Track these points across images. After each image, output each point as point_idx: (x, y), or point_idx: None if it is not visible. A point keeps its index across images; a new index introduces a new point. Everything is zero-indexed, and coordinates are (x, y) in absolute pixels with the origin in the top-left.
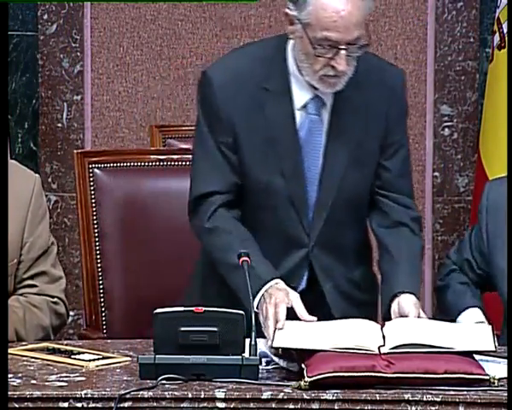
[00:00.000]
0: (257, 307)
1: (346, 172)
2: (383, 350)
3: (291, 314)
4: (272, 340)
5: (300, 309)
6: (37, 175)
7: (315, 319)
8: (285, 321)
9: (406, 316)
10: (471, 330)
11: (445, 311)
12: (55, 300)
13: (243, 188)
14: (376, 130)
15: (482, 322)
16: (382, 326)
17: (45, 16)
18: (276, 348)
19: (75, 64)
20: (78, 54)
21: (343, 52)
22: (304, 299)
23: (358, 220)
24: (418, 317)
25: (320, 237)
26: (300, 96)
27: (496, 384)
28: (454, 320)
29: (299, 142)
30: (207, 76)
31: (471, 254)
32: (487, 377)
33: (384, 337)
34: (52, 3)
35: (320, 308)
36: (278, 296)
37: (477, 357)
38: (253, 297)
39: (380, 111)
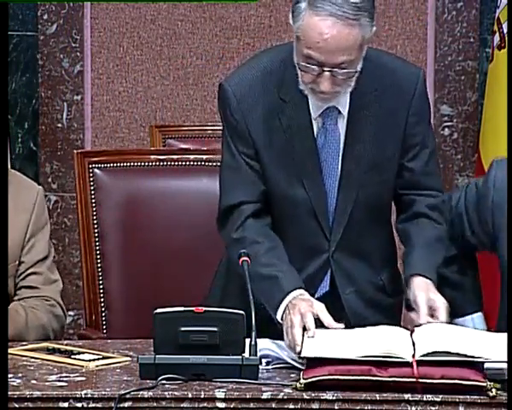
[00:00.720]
0: (281, 319)
1: (364, 178)
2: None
3: (316, 324)
4: (301, 349)
5: (327, 318)
6: (40, 187)
7: (342, 326)
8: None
9: (416, 299)
10: (500, 339)
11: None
12: (52, 302)
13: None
14: (395, 134)
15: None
16: (412, 333)
17: (45, 16)
18: (305, 358)
19: (75, 64)
20: (78, 54)
21: (327, 74)
22: (324, 304)
23: (381, 224)
24: (429, 300)
25: (341, 243)
26: (316, 106)
27: (493, 394)
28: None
29: (317, 151)
30: (224, 89)
31: (465, 210)
32: (484, 384)
33: (414, 344)
34: (52, 3)
35: (338, 314)
36: (302, 306)
37: None
38: (276, 308)
39: (397, 116)
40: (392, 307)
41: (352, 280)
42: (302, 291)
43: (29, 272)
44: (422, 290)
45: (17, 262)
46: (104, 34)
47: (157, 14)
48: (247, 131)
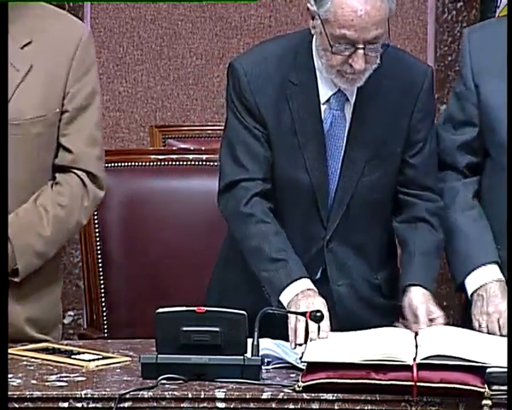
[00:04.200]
0: (287, 305)
1: (365, 168)
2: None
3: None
4: (303, 353)
5: (325, 327)
6: (86, 26)
7: (326, 335)
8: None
9: (415, 310)
10: (504, 343)
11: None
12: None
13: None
14: (399, 128)
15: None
16: (416, 335)
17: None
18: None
19: None
20: None
21: (360, 51)
22: None
23: (381, 220)
24: (429, 312)
25: (337, 232)
26: (325, 91)
27: (489, 404)
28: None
29: (323, 136)
30: (235, 67)
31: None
32: (483, 390)
33: (417, 347)
34: (52, 3)
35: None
36: (317, 304)
37: None
38: (281, 290)
39: (403, 110)
40: (385, 309)
41: (345, 273)
42: (309, 282)
43: (70, 130)
44: (422, 302)
45: (58, 111)
46: (104, 34)
47: (157, 14)
48: (257, 110)
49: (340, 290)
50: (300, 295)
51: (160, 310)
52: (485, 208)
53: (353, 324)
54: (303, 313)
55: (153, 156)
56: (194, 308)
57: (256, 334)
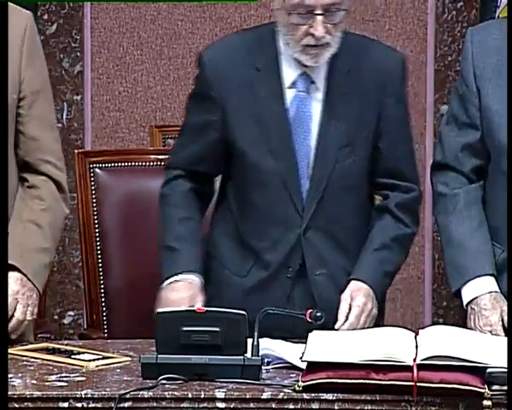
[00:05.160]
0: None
1: (338, 155)
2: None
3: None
4: (303, 353)
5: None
6: (29, 12)
7: None
8: (317, 332)
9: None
10: (504, 344)
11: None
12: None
13: (233, 169)
14: (370, 115)
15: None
16: (416, 335)
17: (45, 16)
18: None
19: (75, 64)
20: (78, 54)
21: (319, 18)
22: (295, 286)
23: (358, 208)
24: (349, 306)
25: (314, 221)
26: (289, 73)
27: (489, 404)
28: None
29: (288, 120)
30: (201, 56)
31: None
32: (482, 391)
33: (417, 347)
34: (52, 3)
35: (306, 296)
36: (181, 295)
37: None
38: (163, 281)
39: (374, 97)
40: None
41: (323, 262)
42: (193, 276)
43: (31, 113)
44: (346, 298)
45: (15, 97)
46: (104, 34)
47: (157, 14)
48: (218, 96)
49: (318, 280)
50: (167, 286)
51: (160, 310)
52: (486, 211)
53: (332, 314)
54: (303, 314)
55: (153, 156)
56: (194, 308)
57: (256, 334)
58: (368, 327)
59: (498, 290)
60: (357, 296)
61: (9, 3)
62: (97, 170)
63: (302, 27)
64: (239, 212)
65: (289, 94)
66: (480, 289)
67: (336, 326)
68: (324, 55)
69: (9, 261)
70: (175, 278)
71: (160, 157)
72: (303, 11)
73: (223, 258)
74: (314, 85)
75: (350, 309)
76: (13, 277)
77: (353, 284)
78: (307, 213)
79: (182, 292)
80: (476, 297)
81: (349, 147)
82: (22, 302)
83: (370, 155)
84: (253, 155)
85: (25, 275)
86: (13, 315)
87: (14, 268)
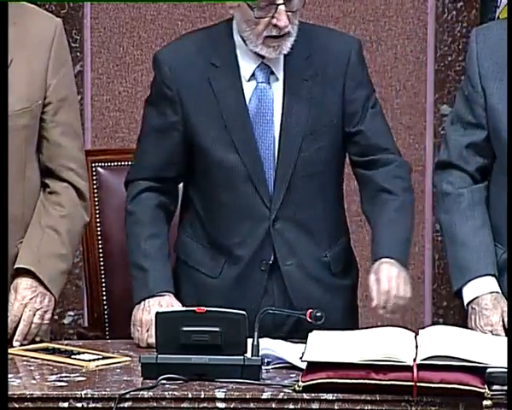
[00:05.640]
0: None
1: (302, 143)
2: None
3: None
4: (303, 353)
5: None
6: (59, 19)
7: None
8: (317, 332)
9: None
10: (504, 343)
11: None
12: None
13: (197, 169)
14: (333, 100)
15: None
16: (416, 335)
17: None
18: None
19: (75, 64)
20: (78, 54)
21: (282, 7)
22: (271, 279)
23: (326, 197)
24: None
25: (282, 211)
26: (247, 66)
27: (489, 404)
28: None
29: (248, 114)
30: (157, 58)
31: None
32: (483, 391)
33: (417, 347)
34: (52, 3)
35: (280, 288)
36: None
37: None
38: (139, 303)
39: (334, 83)
40: (336, 288)
41: (293, 252)
42: (166, 297)
43: (57, 119)
44: (381, 272)
45: (40, 102)
46: (104, 34)
47: (157, 14)
48: (175, 97)
49: (290, 270)
50: (139, 307)
51: (161, 310)
52: (490, 210)
53: (305, 303)
54: (303, 314)
55: None
56: (194, 308)
57: (256, 334)
58: (404, 290)
59: (499, 291)
60: (380, 270)
61: (41, 10)
62: (99, 169)
63: (264, 20)
64: (205, 212)
65: (249, 87)
66: (482, 289)
67: (373, 305)
68: (286, 45)
69: (25, 266)
70: (147, 300)
71: None
72: (264, 4)
73: (194, 262)
74: (274, 76)
75: (379, 283)
76: (24, 282)
77: (374, 265)
78: (275, 204)
79: (154, 311)
80: (477, 297)
81: (312, 135)
82: (30, 307)
83: (338, 140)
84: (216, 151)
85: (40, 280)
86: (20, 320)
87: (29, 273)
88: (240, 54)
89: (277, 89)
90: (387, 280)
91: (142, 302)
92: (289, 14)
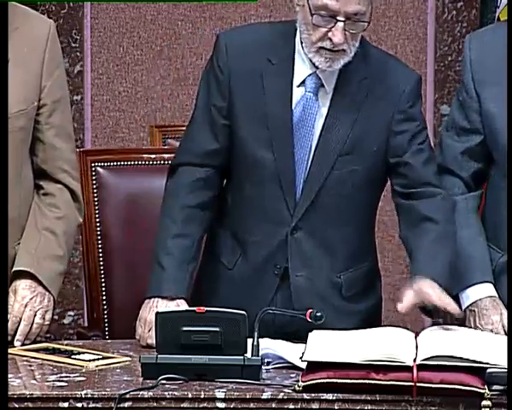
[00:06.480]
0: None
1: (337, 161)
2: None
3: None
4: (303, 353)
5: None
6: (51, 20)
7: None
8: (317, 331)
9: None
10: (504, 343)
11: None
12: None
13: (232, 159)
14: (377, 129)
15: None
16: (416, 335)
17: (45, 16)
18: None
19: (75, 64)
20: (78, 54)
21: (340, 24)
22: (281, 286)
23: (352, 219)
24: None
25: (304, 222)
26: (300, 72)
27: (489, 404)
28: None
29: (292, 120)
30: (219, 39)
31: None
32: (482, 391)
33: (417, 348)
34: (52, 3)
35: (285, 296)
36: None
37: None
38: (149, 299)
39: (383, 111)
40: (343, 311)
41: (305, 264)
42: (176, 301)
43: (50, 121)
44: (421, 289)
45: (35, 104)
46: (104, 34)
47: (157, 14)
48: (227, 85)
49: (298, 281)
50: (147, 304)
51: (161, 310)
52: (487, 214)
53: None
54: (303, 314)
55: (153, 155)
56: (194, 308)
57: (256, 334)
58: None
59: (497, 296)
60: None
61: (35, 12)
62: (99, 169)
63: (321, 29)
64: (233, 203)
65: (297, 92)
66: (480, 294)
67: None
68: (339, 62)
69: (24, 268)
70: (157, 299)
71: (164, 156)
72: (325, 14)
73: (217, 249)
74: (323, 88)
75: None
76: (22, 283)
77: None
78: (298, 212)
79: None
80: (476, 301)
81: (349, 156)
82: (30, 306)
83: (377, 168)
84: (253, 146)
85: (39, 280)
86: (20, 320)
87: (27, 275)
88: (297, 58)
89: (325, 102)
90: (430, 287)
91: (152, 300)
92: (347, 33)
